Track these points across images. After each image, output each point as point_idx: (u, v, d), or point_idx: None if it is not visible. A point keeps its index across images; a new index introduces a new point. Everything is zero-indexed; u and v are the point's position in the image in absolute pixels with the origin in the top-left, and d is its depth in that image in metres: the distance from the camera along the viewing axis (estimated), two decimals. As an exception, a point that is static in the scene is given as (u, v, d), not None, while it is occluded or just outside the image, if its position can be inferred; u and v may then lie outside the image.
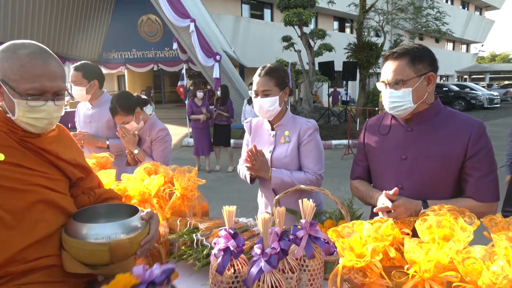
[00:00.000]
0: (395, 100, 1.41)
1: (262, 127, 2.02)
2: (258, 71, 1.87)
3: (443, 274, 0.93)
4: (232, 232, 1.21)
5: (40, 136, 1.18)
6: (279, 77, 1.84)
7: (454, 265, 0.93)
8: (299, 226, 1.30)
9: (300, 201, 1.28)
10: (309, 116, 11.55)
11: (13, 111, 1.10)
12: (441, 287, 0.90)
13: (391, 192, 1.32)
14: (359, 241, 1.00)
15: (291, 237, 1.29)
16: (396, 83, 1.40)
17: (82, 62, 2.76)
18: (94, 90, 2.73)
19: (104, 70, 15.35)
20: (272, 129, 1.95)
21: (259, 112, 1.86)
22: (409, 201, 1.31)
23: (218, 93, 7.19)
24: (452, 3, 32.27)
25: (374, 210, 1.34)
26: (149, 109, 8.36)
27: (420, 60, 1.39)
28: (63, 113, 1.21)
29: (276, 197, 1.66)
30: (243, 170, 2.04)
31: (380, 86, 1.48)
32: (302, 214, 1.26)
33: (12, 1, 11.57)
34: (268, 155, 1.91)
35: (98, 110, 2.78)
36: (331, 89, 14.80)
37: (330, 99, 14.24)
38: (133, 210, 1.26)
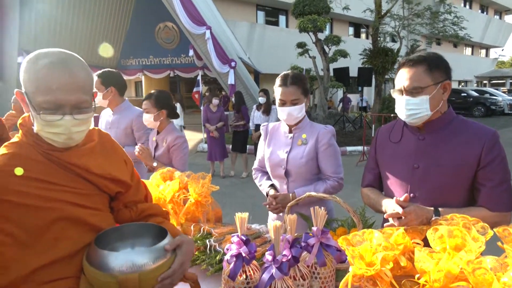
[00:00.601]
0: (412, 107, 1.39)
1: (278, 131, 2.08)
2: (282, 81, 1.91)
3: (454, 285, 0.93)
4: (244, 239, 1.23)
5: (70, 148, 1.10)
6: (304, 84, 1.93)
7: (465, 276, 0.92)
8: (310, 234, 1.31)
9: (312, 208, 1.29)
10: (323, 122, 11.51)
11: (34, 124, 1.06)
12: (451, 298, 0.90)
13: (401, 198, 1.32)
14: (369, 249, 1.01)
15: (302, 244, 1.30)
16: (413, 90, 1.39)
17: (105, 69, 2.87)
18: (112, 97, 2.82)
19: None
20: (290, 131, 2.01)
21: (287, 119, 1.94)
22: (420, 208, 1.31)
23: (233, 99, 7.27)
24: (470, 7, 31.74)
25: (385, 216, 1.35)
26: (179, 120, 8.74)
27: (437, 67, 1.38)
28: (91, 126, 1.14)
29: (288, 204, 1.68)
30: (263, 185, 2.11)
31: (395, 94, 1.47)
32: (314, 221, 1.28)
33: (36, 10, 11.97)
34: (284, 156, 1.97)
35: (118, 117, 2.87)
36: (344, 95, 14.72)
37: (341, 105, 14.18)
38: (163, 234, 1.11)
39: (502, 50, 38.89)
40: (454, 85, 31.33)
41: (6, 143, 1.08)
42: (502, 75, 37.20)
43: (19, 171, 1.00)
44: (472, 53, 36.61)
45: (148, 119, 2.57)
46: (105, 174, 1.16)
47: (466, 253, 0.99)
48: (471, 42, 28.27)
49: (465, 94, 19.55)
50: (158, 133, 2.67)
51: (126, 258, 0.98)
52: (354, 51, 12.90)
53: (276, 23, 22.48)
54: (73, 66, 1.05)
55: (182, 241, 1.10)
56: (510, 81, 36.34)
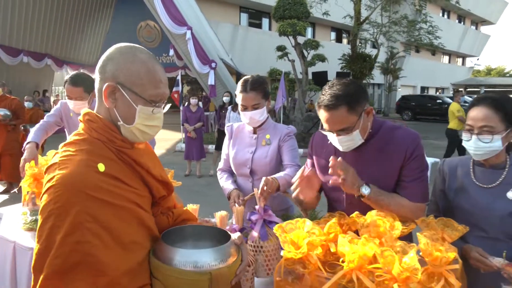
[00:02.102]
0: (347, 143, 1.44)
1: (243, 131, 2.16)
2: (242, 87, 1.98)
3: (370, 266, 1.06)
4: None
5: (133, 147, 1.06)
6: (264, 88, 2.01)
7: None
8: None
9: (255, 189, 1.42)
10: (301, 124, 11.71)
11: (129, 118, 1.00)
12: (365, 277, 1.03)
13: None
14: (300, 236, 1.13)
15: (251, 226, 1.42)
16: (343, 131, 1.41)
17: (78, 74, 2.70)
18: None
19: (102, 74, 15.46)
20: (254, 132, 2.10)
21: (250, 122, 2.03)
22: (356, 176, 1.38)
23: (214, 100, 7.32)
24: (448, 17, 32.78)
25: (330, 163, 1.36)
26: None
27: (356, 102, 1.39)
28: None
29: (245, 198, 1.80)
30: (224, 185, 2.11)
31: (326, 132, 1.47)
32: (257, 200, 1.40)
33: (12, 4, 11.74)
34: (249, 156, 2.06)
35: None
36: (290, 97, 14.71)
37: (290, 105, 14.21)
38: (219, 233, 1.14)
39: (478, 59, 40.28)
40: (431, 92, 32.28)
41: (71, 140, 0.99)
42: (477, 83, 38.48)
43: (101, 167, 0.94)
44: (449, 61, 37.81)
45: None
46: (158, 176, 1.12)
47: (386, 240, 1.13)
48: (448, 50, 29.20)
49: (440, 101, 20.22)
50: None
51: (214, 253, 0.98)
52: (335, 55, 13.21)
53: (259, 26, 22.67)
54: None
55: (241, 237, 1.13)
56: (485, 89, 37.65)
